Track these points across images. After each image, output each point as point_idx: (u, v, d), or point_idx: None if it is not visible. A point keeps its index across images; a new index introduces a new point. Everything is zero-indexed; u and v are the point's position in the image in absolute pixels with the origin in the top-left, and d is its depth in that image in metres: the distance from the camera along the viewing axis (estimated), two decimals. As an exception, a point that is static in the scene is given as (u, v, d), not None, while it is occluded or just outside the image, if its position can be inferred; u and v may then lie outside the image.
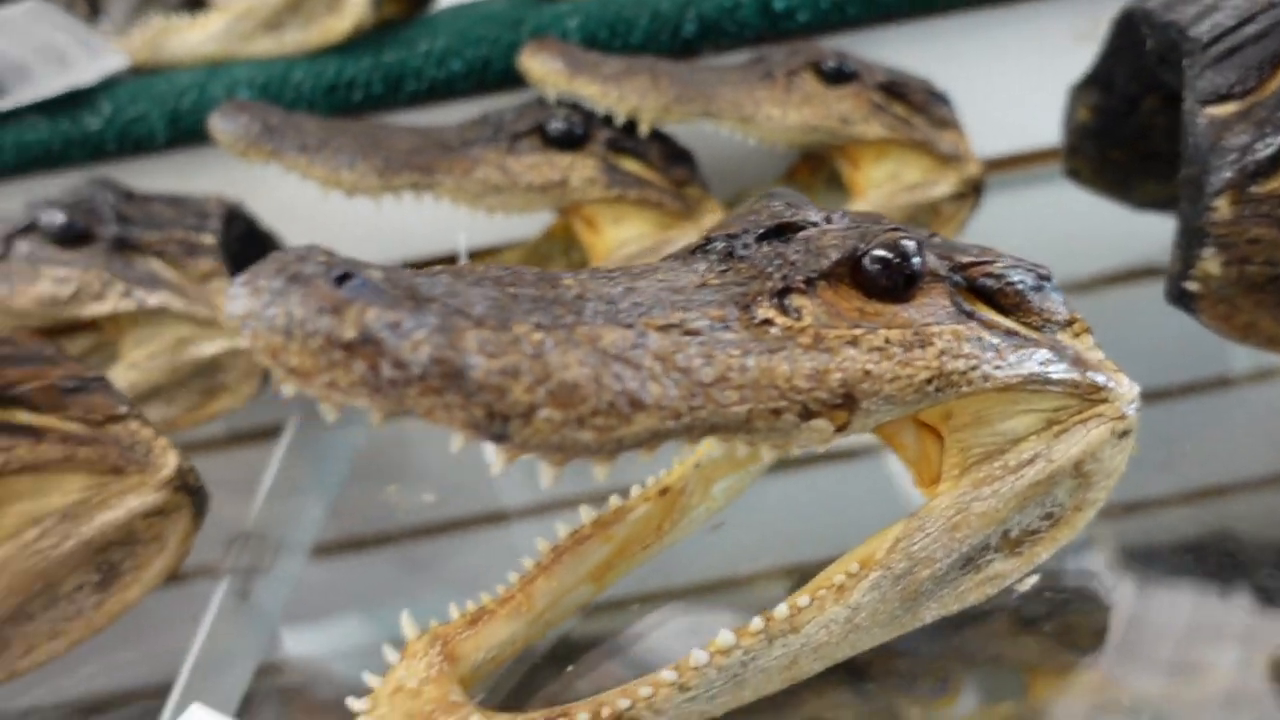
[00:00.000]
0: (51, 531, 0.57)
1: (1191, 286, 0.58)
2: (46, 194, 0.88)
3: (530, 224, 1.03)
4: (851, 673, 0.50)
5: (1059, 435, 0.49)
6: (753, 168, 0.98)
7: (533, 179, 0.79)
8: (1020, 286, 0.49)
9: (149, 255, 0.78)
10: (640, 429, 0.35)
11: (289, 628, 0.67)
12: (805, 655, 0.46)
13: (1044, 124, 0.89)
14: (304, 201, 0.94)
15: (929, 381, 0.44)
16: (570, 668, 0.55)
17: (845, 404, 0.41)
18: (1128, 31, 0.73)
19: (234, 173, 0.95)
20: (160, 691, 0.61)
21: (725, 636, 0.44)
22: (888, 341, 0.44)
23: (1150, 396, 0.54)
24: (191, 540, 0.62)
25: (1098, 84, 0.80)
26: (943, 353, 0.45)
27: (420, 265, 0.44)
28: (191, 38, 0.95)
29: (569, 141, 0.80)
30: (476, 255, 1.09)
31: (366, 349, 0.31)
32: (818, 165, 0.98)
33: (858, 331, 0.43)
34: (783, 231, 0.48)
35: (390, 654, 0.47)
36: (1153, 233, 0.82)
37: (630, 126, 0.82)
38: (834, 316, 0.44)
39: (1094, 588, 0.56)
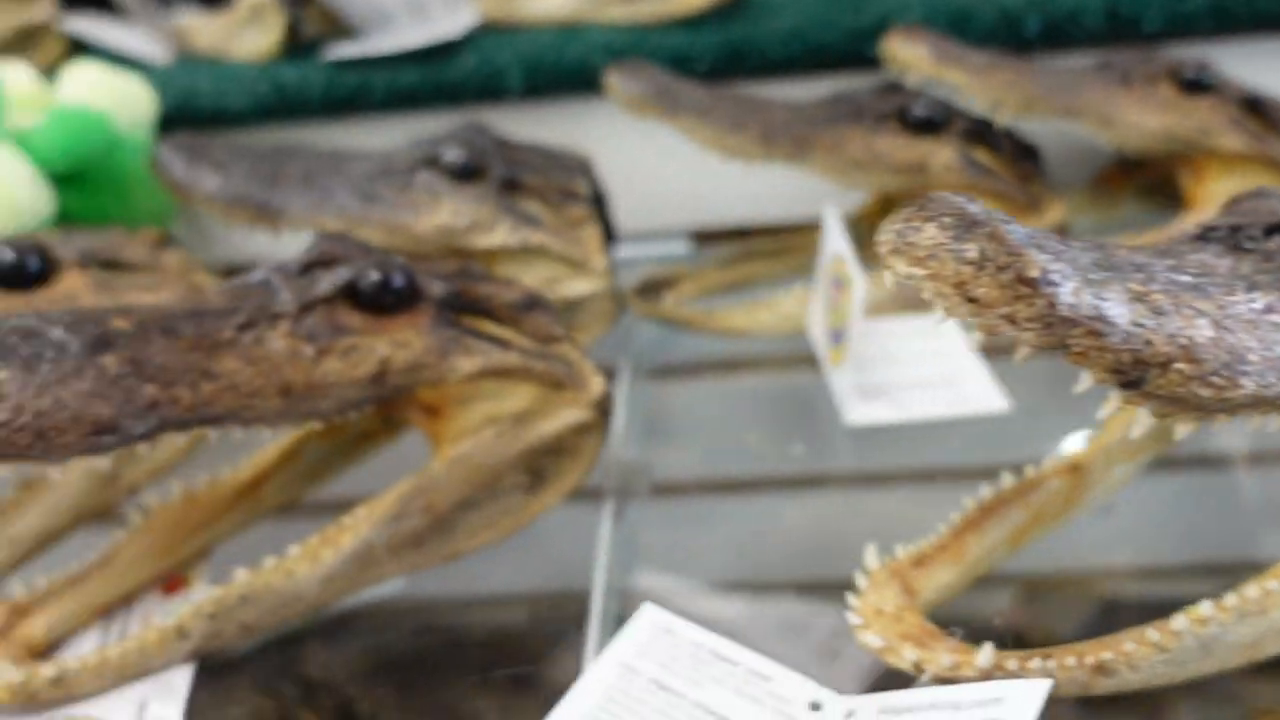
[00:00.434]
0: (505, 433, 0.64)
1: None
2: (416, 133, 0.96)
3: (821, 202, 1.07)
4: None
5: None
6: (1066, 168, 0.99)
7: (895, 160, 0.82)
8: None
9: (530, 197, 0.85)
10: (1246, 394, 0.38)
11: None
12: (1269, 636, 0.48)
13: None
14: (629, 163, 1.01)
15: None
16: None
17: None
18: None
19: (575, 128, 1.02)
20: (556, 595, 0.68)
21: (1205, 607, 0.47)
22: None
23: None
24: (597, 458, 0.68)
25: None
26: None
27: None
28: (545, 1, 1.03)
29: (929, 127, 0.84)
30: (762, 232, 1.14)
31: (1045, 290, 0.35)
32: (1131, 172, 0.99)
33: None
34: None
35: (860, 580, 0.52)
36: None
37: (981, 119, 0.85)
38: None
39: None
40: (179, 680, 0.56)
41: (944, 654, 0.48)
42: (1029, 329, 0.36)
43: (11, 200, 0.81)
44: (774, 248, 0.99)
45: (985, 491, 0.58)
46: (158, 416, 0.50)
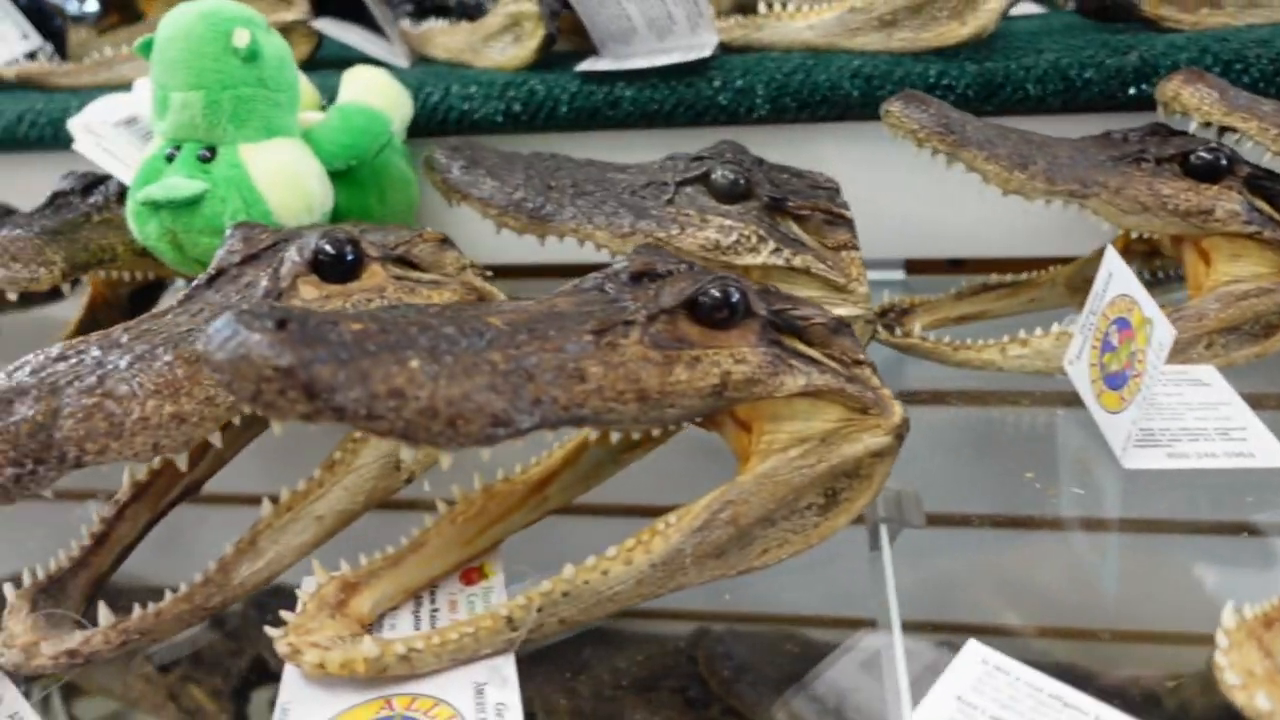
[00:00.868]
0: (811, 453, 0.64)
1: None
2: (659, 149, 0.98)
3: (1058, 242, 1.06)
4: None
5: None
6: None
7: (1179, 204, 0.81)
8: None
9: (793, 219, 0.86)
10: None
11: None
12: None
13: None
14: (852, 189, 1.02)
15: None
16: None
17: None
18: None
19: (807, 152, 1.03)
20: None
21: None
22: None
23: None
24: (884, 484, 0.68)
25: None
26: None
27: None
28: (794, 25, 1.04)
29: (1211, 173, 0.82)
30: (975, 265, 1.12)
31: None
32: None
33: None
34: None
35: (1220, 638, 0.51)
36: None
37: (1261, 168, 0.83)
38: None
39: None
40: (508, 669, 0.58)
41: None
42: None
43: (307, 194, 0.85)
44: (1009, 284, 0.99)
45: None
46: (540, 413, 0.52)
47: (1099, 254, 0.98)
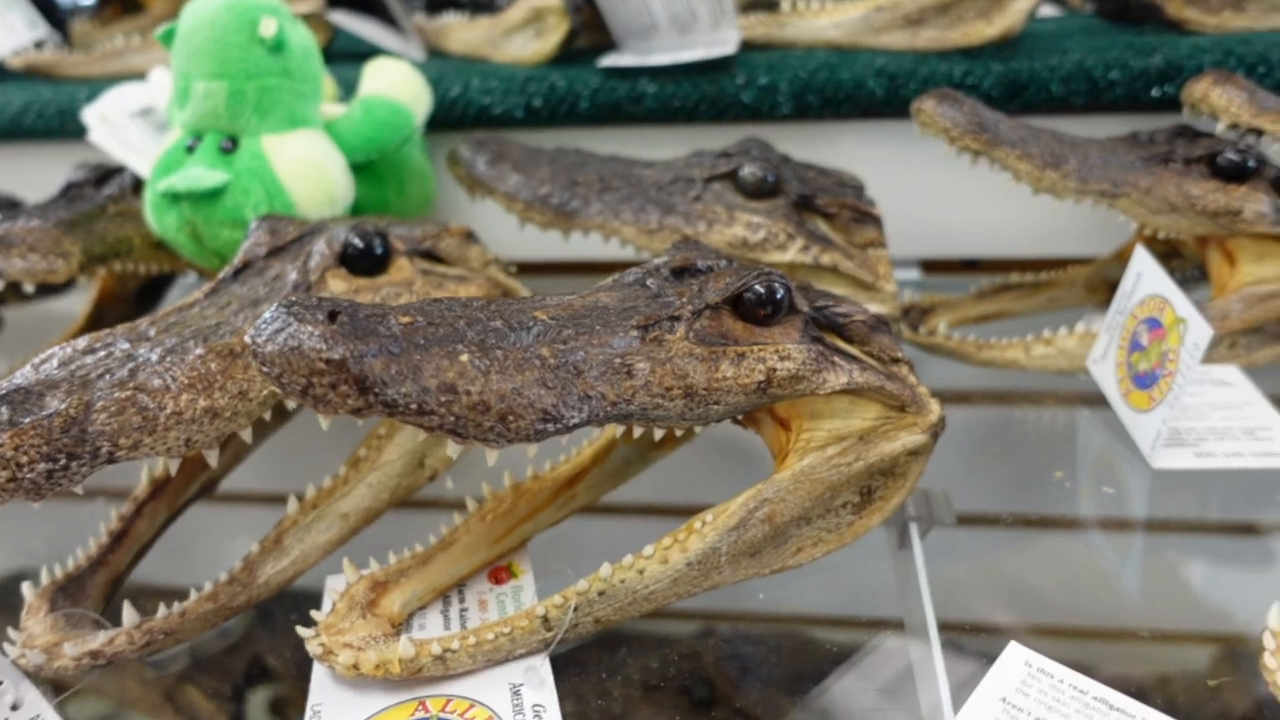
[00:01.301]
0: (849, 450, 0.64)
1: None
2: (681, 145, 0.98)
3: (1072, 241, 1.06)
4: None
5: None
6: None
7: (1208, 204, 0.81)
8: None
9: (820, 216, 0.85)
10: None
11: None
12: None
13: None
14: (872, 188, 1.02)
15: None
16: None
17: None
18: None
19: (828, 150, 1.02)
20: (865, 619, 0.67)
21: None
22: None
23: None
24: (918, 482, 0.68)
25: None
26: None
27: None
28: (818, 23, 1.03)
29: (1238, 174, 0.82)
30: (990, 265, 1.12)
31: None
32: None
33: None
34: None
35: (1268, 640, 0.51)
36: None
37: None
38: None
39: None
40: (544, 670, 0.57)
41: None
42: None
43: (330, 187, 0.84)
44: (1029, 283, 0.99)
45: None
46: (588, 409, 0.51)
47: (1118, 255, 0.99)
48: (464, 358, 0.49)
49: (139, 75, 1.08)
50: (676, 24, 1.05)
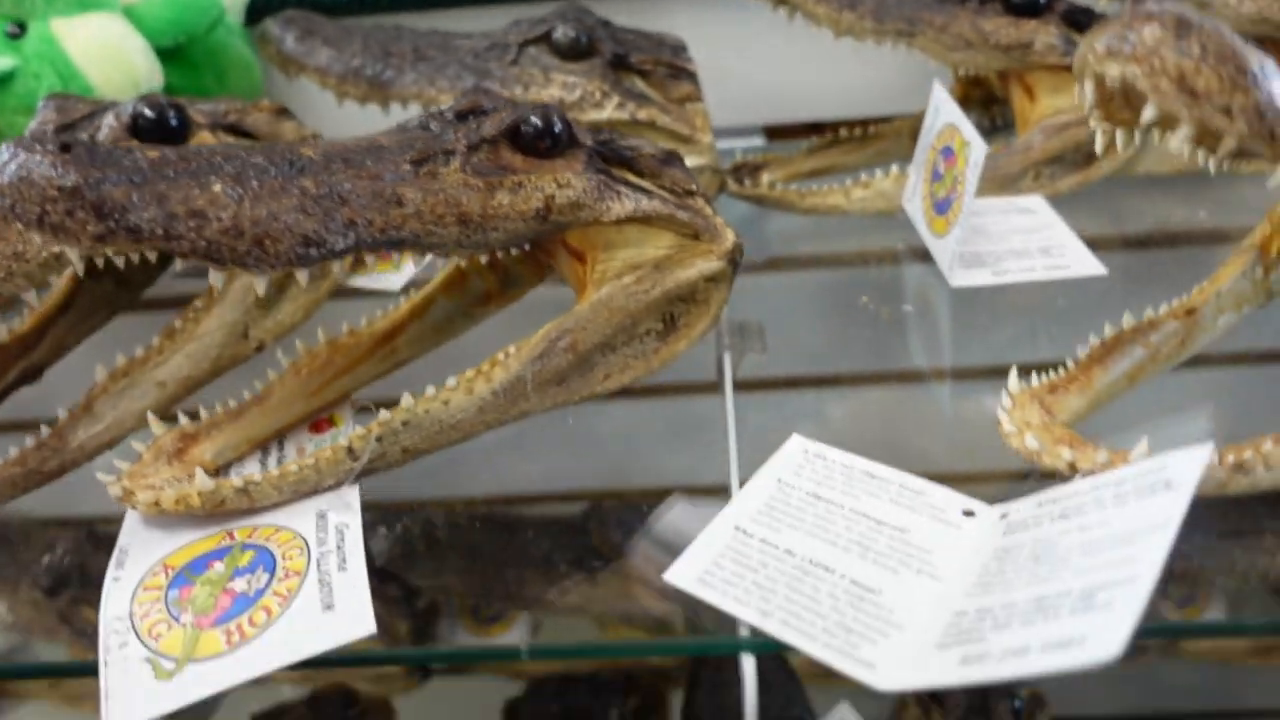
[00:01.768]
0: (645, 279, 0.66)
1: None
2: (522, 16, 0.97)
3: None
4: None
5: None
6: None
7: (1001, 38, 0.84)
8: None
9: (637, 75, 0.87)
10: None
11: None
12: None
13: None
14: (704, 58, 1.03)
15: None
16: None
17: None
18: None
19: (657, 21, 1.03)
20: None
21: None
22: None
23: None
24: (723, 309, 0.71)
25: None
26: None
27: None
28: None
29: (1030, 9, 0.85)
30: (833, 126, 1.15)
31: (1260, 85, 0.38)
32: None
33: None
34: None
35: (1004, 399, 0.56)
36: None
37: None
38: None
39: None
40: (351, 496, 0.59)
41: (1097, 453, 0.51)
42: (1242, 119, 0.38)
43: (131, 70, 0.82)
44: (857, 137, 1.02)
45: (1108, 329, 0.62)
46: (355, 235, 0.53)
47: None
48: (216, 187, 0.49)
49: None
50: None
